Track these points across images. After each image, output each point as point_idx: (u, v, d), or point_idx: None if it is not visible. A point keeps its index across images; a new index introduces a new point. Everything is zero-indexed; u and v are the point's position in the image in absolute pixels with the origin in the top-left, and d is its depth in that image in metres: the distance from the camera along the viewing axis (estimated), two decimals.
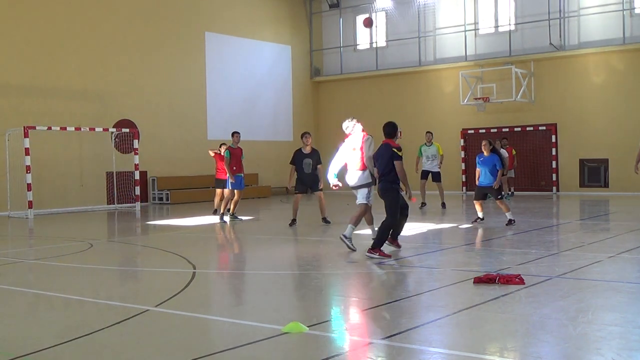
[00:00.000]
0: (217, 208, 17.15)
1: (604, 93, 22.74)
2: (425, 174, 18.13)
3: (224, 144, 17.34)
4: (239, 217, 15.83)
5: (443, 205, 17.74)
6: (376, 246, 9.37)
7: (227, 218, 15.48)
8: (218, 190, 17.11)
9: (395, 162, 9.56)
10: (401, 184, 9.59)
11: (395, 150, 9.62)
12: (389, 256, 9.26)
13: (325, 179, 11.87)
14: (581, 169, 23.26)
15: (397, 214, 9.62)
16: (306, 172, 14.18)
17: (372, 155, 10.22)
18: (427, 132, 18.74)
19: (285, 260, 10.31)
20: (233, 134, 15.76)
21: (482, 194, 13.56)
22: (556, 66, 23.48)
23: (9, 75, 19.40)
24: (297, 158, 14.26)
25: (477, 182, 13.42)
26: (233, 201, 15.51)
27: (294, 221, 14.27)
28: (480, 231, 12.56)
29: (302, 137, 14.47)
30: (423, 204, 17.73)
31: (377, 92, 27.48)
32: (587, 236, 11.57)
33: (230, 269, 9.56)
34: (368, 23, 12.84)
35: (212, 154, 17.26)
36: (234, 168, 15.22)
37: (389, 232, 9.62)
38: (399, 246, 9.99)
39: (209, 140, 24.70)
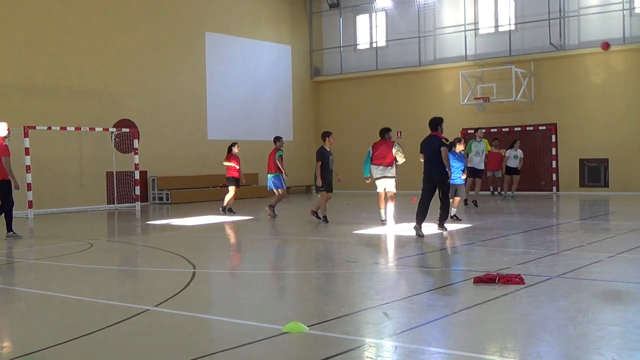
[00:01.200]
0: (225, 206, 17.38)
1: (604, 93, 22.73)
2: (472, 172, 17.79)
3: (235, 143, 17.57)
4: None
5: (475, 203, 17.82)
6: (441, 224, 11.87)
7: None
8: (232, 188, 17.36)
9: (441, 149, 11.30)
10: (448, 168, 11.50)
11: (443, 140, 11.47)
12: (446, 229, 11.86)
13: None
14: (581, 169, 23.26)
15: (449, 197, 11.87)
16: (331, 168, 14.52)
17: (423, 145, 11.84)
18: (478, 128, 18.96)
19: (285, 260, 10.32)
20: (280, 138, 16.91)
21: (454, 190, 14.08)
22: (556, 66, 23.48)
23: (9, 75, 19.40)
24: (325, 155, 14.46)
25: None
26: (277, 197, 16.40)
27: (325, 218, 14.63)
28: (479, 231, 12.56)
29: (328, 136, 14.72)
30: (474, 203, 17.74)
31: (377, 92, 27.49)
32: (587, 236, 11.56)
33: (230, 268, 9.56)
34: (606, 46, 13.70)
35: (227, 163, 17.31)
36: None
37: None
38: (422, 234, 11.36)
39: (209, 140, 24.72)
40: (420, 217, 11.39)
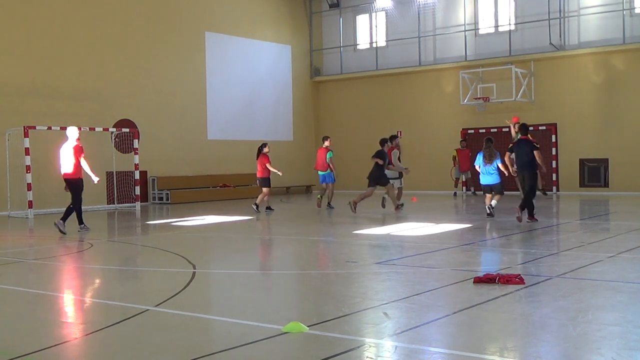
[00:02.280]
0: (266, 205, 17.98)
1: (604, 93, 22.73)
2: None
3: (265, 143, 18.09)
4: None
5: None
6: (531, 214, 13.27)
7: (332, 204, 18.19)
8: (266, 188, 17.76)
9: (535, 152, 13.15)
10: (542, 166, 13.50)
11: (535, 144, 13.29)
12: (537, 220, 13.34)
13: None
14: (581, 169, 23.25)
15: (535, 191, 13.53)
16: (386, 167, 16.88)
17: (513, 149, 13.80)
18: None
19: (285, 260, 10.32)
20: (328, 137, 18.42)
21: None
22: (556, 66, 23.48)
23: (9, 75, 19.40)
24: (384, 156, 16.59)
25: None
26: (330, 192, 18.29)
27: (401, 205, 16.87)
28: (480, 231, 12.56)
29: (393, 139, 17.09)
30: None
31: (377, 92, 27.49)
32: (587, 236, 11.57)
33: (230, 268, 9.56)
34: None
35: (271, 168, 17.67)
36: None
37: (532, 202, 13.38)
38: (536, 220, 13.34)
39: (209, 140, 24.72)
40: (524, 206, 13.23)
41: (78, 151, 13.52)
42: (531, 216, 13.35)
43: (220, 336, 5.64)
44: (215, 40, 25.02)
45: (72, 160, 13.47)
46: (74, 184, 13.59)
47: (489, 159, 14.06)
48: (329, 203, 18.17)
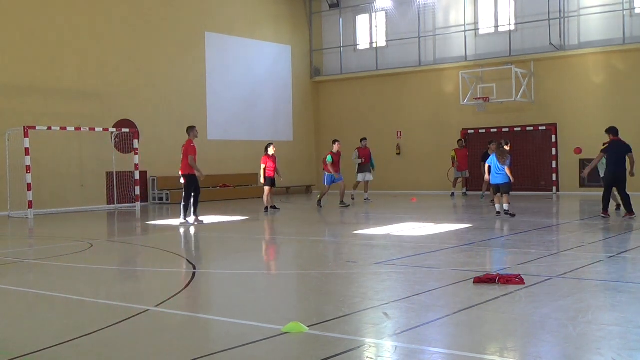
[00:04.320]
0: (267, 205, 18.00)
1: (604, 93, 22.73)
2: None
3: (271, 143, 18.29)
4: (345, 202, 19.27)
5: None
6: (629, 210, 13.86)
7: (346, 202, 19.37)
8: (266, 188, 17.88)
9: (630, 154, 13.95)
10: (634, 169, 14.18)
11: (629, 146, 14.02)
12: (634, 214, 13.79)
13: None
14: (581, 169, 23.19)
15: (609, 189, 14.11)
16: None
17: (605, 150, 14.28)
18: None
19: (285, 260, 10.32)
20: (336, 141, 19.27)
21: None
22: (556, 66, 23.47)
23: (9, 75, 19.39)
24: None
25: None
26: (325, 191, 19.41)
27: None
28: (480, 231, 12.56)
29: (490, 144, 17.79)
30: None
31: (377, 92, 27.49)
32: (587, 236, 11.57)
33: (230, 268, 9.56)
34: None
35: (261, 170, 18.00)
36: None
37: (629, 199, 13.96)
38: (633, 214, 13.81)
39: (209, 140, 24.70)
40: (606, 203, 14.09)
41: (189, 149, 14.71)
42: (629, 213, 13.91)
43: (220, 336, 5.64)
44: (215, 40, 25.02)
45: (188, 158, 14.71)
46: (186, 179, 14.94)
47: (502, 159, 14.54)
48: (318, 200, 19.24)
